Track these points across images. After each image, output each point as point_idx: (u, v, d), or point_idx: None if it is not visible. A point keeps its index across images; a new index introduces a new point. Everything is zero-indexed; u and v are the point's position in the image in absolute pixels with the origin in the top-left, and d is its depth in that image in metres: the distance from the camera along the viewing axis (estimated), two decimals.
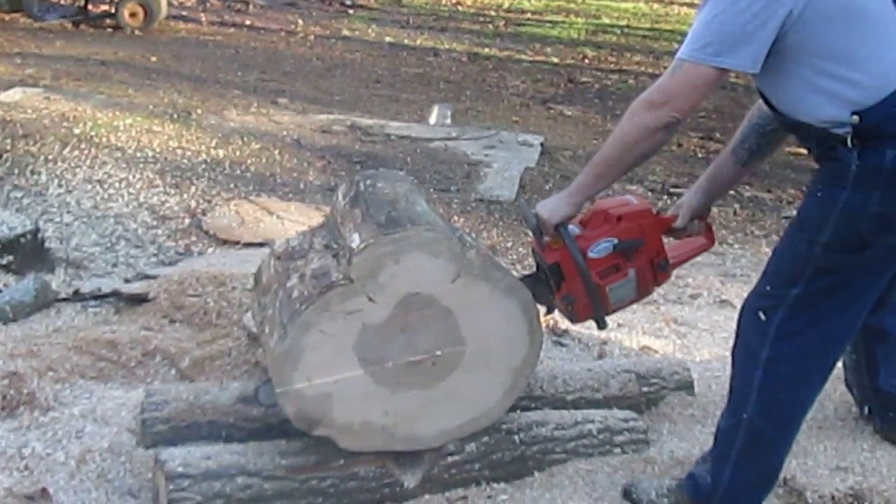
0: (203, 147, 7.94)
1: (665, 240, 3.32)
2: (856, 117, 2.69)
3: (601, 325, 3.27)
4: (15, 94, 8.77)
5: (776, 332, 2.85)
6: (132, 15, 13.25)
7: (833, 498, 3.29)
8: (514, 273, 3.71)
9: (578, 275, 3.11)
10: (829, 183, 2.76)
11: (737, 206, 7.71)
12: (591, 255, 3.12)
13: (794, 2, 2.67)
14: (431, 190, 7.38)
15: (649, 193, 7.99)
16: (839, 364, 3.29)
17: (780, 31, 2.69)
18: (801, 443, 3.16)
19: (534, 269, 3.37)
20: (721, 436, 3.06)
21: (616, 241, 3.15)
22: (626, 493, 3.27)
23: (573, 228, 3.14)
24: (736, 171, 3.34)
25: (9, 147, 7.29)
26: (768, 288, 2.90)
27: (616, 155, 2.94)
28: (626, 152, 2.91)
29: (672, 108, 2.80)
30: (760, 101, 3.15)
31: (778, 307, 2.85)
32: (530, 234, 3.23)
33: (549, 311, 3.35)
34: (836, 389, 3.71)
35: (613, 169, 2.98)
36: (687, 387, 3.90)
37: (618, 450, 3.46)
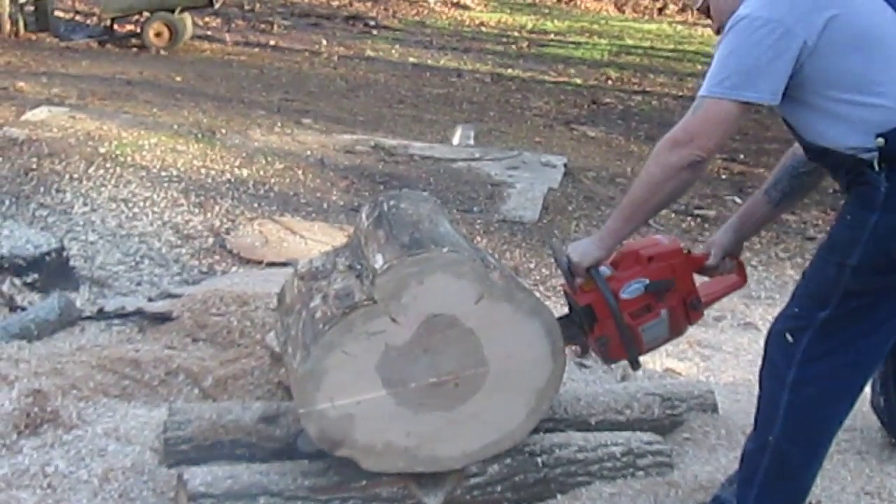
0: (227, 166, 7.99)
1: (697, 279, 3.31)
2: (881, 140, 2.69)
3: (635, 366, 3.26)
4: (41, 113, 8.85)
5: (803, 354, 2.83)
6: (157, 35, 13.36)
7: None
8: (537, 294, 3.70)
9: (610, 316, 3.11)
10: (860, 206, 2.76)
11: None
12: (622, 296, 3.12)
13: (807, 33, 2.69)
14: (454, 210, 7.40)
15: (673, 215, 7.99)
16: (866, 387, 3.26)
17: (797, 63, 2.72)
18: (826, 467, 3.13)
19: (566, 309, 3.35)
20: (746, 458, 3.04)
21: (647, 281, 3.15)
22: None
23: (604, 270, 3.13)
24: (768, 212, 3.35)
25: (35, 165, 7.35)
26: (797, 310, 2.89)
27: (643, 196, 2.94)
28: (653, 193, 2.91)
29: (696, 146, 2.80)
30: (795, 144, 3.17)
31: (806, 329, 2.83)
32: (562, 275, 3.22)
33: (583, 352, 3.35)
34: (862, 412, 3.68)
35: (641, 210, 2.98)
36: (711, 409, 3.88)
37: (641, 473, 3.44)
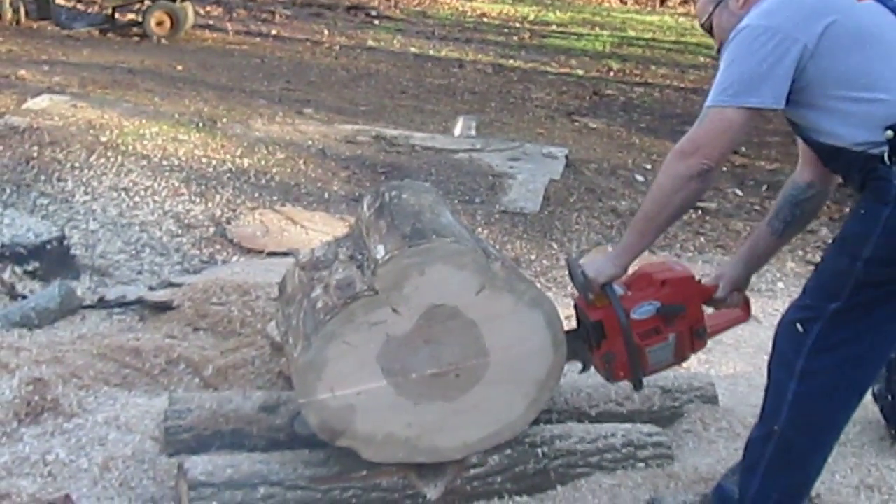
0: (228, 156, 7.97)
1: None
2: (890, 132, 2.72)
3: (637, 387, 3.27)
4: (42, 102, 8.83)
5: (813, 345, 2.85)
6: (159, 24, 13.33)
7: None
8: (538, 285, 3.70)
9: (621, 334, 3.14)
10: (873, 200, 2.78)
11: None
12: (633, 316, 3.14)
13: (806, 37, 2.75)
14: (456, 201, 7.39)
15: None
16: None
17: (799, 66, 2.77)
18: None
19: (574, 324, 3.36)
20: (751, 447, 3.05)
21: (659, 304, 3.17)
22: None
23: (618, 289, 3.15)
24: (773, 243, 3.38)
25: (36, 154, 7.34)
26: (808, 301, 2.91)
27: (655, 209, 2.96)
28: (664, 205, 2.93)
29: (703, 155, 2.83)
30: (794, 174, 3.25)
31: (816, 320, 2.85)
32: (576, 289, 3.23)
33: (586, 369, 3.36)
34: (863, 405, 3.68)
35: (654, 223, 2.99)
36: (711, 401, 3.89)
37: (641, 464, 3.45)
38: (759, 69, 2.76)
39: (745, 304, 3.44)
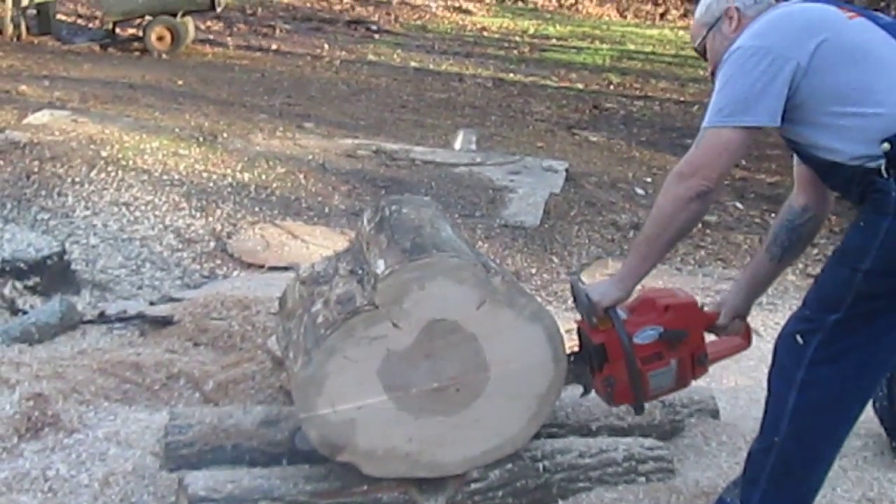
0: (229, 170, 7.99)
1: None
2: (886, 145, 2.74)
3: (639, 411, 3.27)
4: (43, 117, 8.85)
5: (813, 356, 2.86)
6: (159, 39, 13.37)
7: None
8: (539, 299, 3.69)
9: (623, 358, 3.13)
10: (872, 212, 2.80)
11: (763, 234, 7.67)
12: (636, 340, 3.14)
13: (798, 55, 2.79)
14: (456, 215, 7.39)
15: None
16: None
17: (793, 84, 2.80)
18: None
19: (576, 347, 3.36)
20: (752, 459, 3.05)
21: (662, 329, 3.17)
22: None
23: (621, 313, 3.15)
24: (772, 269, 3.40)
25: (36, 169, 7.35)
26: (808, 312, 2.92)
27: (656, 232, 2.97)
28: (665, 227, 2.95)
29: (702, 176, 2.86)
30: (789, 199, 3.28)
31: (816, 332, 2.86)
32: (579, 313, 3.23)
33: (587, 392, 3.36)
34: (864, 418, 3.68)
35: (656, 246, 3.01)
36: (712, 415, 3.88)
37: (643, 478, 3.44)
38: (752, 89, 2.79)
39: (747, 332, 3.45)
